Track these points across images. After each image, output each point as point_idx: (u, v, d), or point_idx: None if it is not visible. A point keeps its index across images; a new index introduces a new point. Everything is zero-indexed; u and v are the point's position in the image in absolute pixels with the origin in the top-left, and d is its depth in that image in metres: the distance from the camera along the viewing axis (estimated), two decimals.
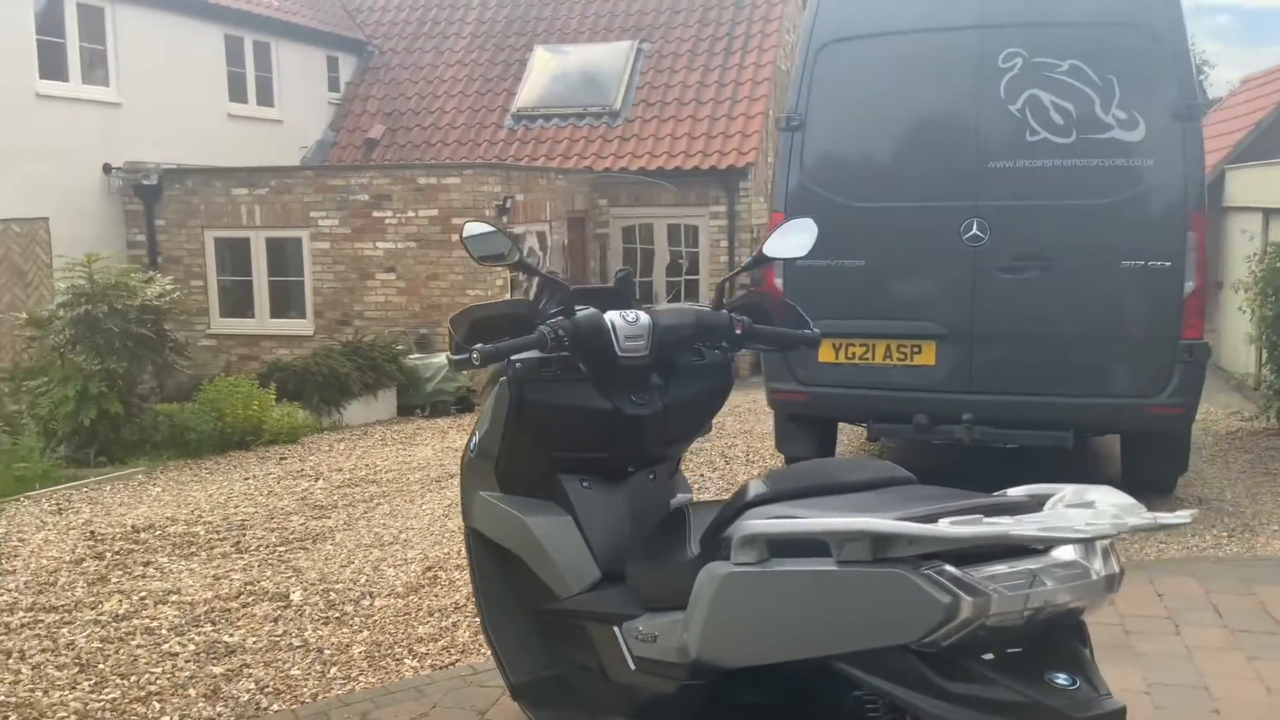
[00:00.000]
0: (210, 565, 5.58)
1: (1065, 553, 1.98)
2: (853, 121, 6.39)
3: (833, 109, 6.35)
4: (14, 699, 3.92)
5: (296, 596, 5.01)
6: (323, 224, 12.93)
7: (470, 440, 3.05)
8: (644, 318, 2.83)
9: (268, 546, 5.91)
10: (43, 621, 4.73)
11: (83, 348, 8.35)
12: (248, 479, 7.77)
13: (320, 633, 4.55)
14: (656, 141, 15.51)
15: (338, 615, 4.75)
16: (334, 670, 4.16)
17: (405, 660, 4.25)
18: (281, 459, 8.61)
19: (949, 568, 1.91)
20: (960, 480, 2.45)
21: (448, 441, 9.29)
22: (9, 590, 5.18)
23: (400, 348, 11.61)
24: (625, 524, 2.90)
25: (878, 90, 6.33)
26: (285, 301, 13.21)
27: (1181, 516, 1.87)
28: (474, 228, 2.80)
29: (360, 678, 4.08)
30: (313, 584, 5.19)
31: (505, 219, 12.78)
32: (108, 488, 7.51)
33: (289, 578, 5.30)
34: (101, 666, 4.23)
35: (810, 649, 2.06)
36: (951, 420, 6.01)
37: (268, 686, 3.99)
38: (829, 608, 2.02)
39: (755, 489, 2.28)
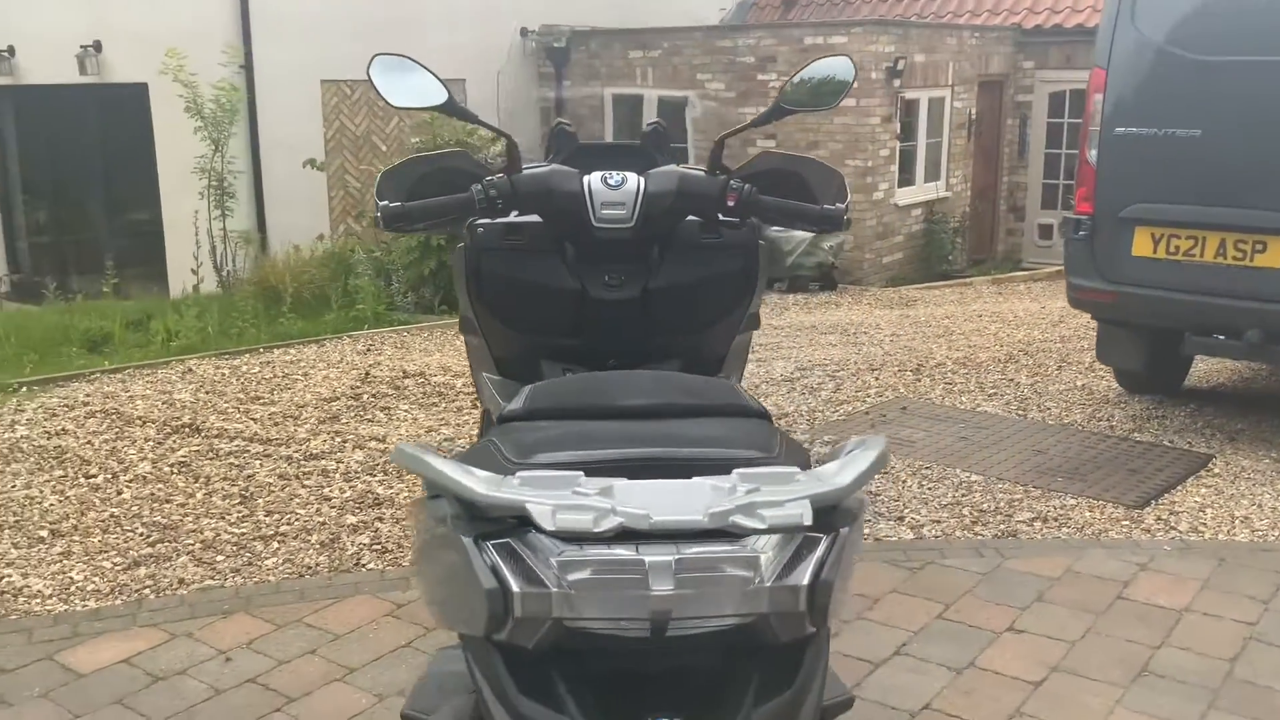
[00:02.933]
0: (434, 416, 5.66)
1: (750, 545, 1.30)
2: None
3: None
4: (165, 520, 4.18)
5: None
6: (709, 87, 12.68)
7: None
8: (632, 181, 2.24)
9: None
10: (248, 452, 5.03)
11: None
12: None
13: None
14: None
15: None
16: None
17: None
18: None
19: (509, 542, 1.32)
20: None
21: (803, 316, 8.84)
22: (254, 420, 5.58)
23: None
24: None
25: None
26: None
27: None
28: (384, 61, 2.28)
29: None
30: None
31: (897, 83, 11.78)
32: (423, 334, 7.94)
33: None
34: (259, 501, 4.40)
35: (450, 621, 1.53)
36: None
37: (377, 544, 3.95)
38: (443, 574, 1.47)
39: (513, 403, 1.69)
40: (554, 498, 1.26)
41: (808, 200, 2.37)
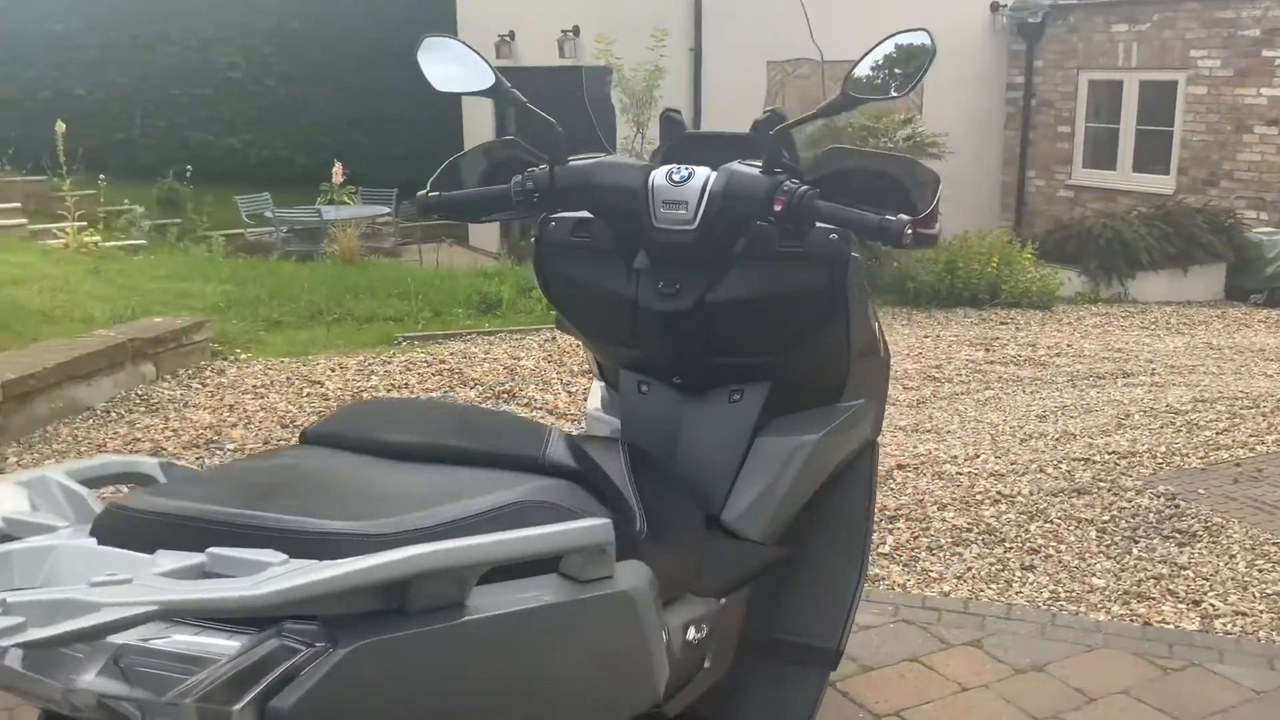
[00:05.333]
0: None
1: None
2: None
3: None
4: None
5: None
6: (1202, 65, 11.11)
7: None
8: (698, 177, 1.98)
9: None
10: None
11: None
12: (925, 336, 7.32)
13: None
14: None
15: None
16: None
17: None
18: (1003, 323, 7.92)
19: None
20: None
21: (1261, 336, 7.55)
22: (568, 394, 5.72)
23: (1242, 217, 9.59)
24: (668, 449, 2.17)
25: None
26: (1149, 154, 11.76)
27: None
28: (431, 44, 2.16)
29: None
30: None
31: None
32: None
33: None
34: None
35: None
36: None
37: None
38: None
39: (316, 426, 1.47)
40: None
41: (903, 207, 1.93)
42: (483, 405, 5.16)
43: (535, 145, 2.10)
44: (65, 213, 9.14)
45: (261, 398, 5.18)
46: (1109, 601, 3.21)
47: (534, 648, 1.08)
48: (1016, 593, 3.28)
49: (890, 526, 3.76)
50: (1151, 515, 3.81)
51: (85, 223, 9.76)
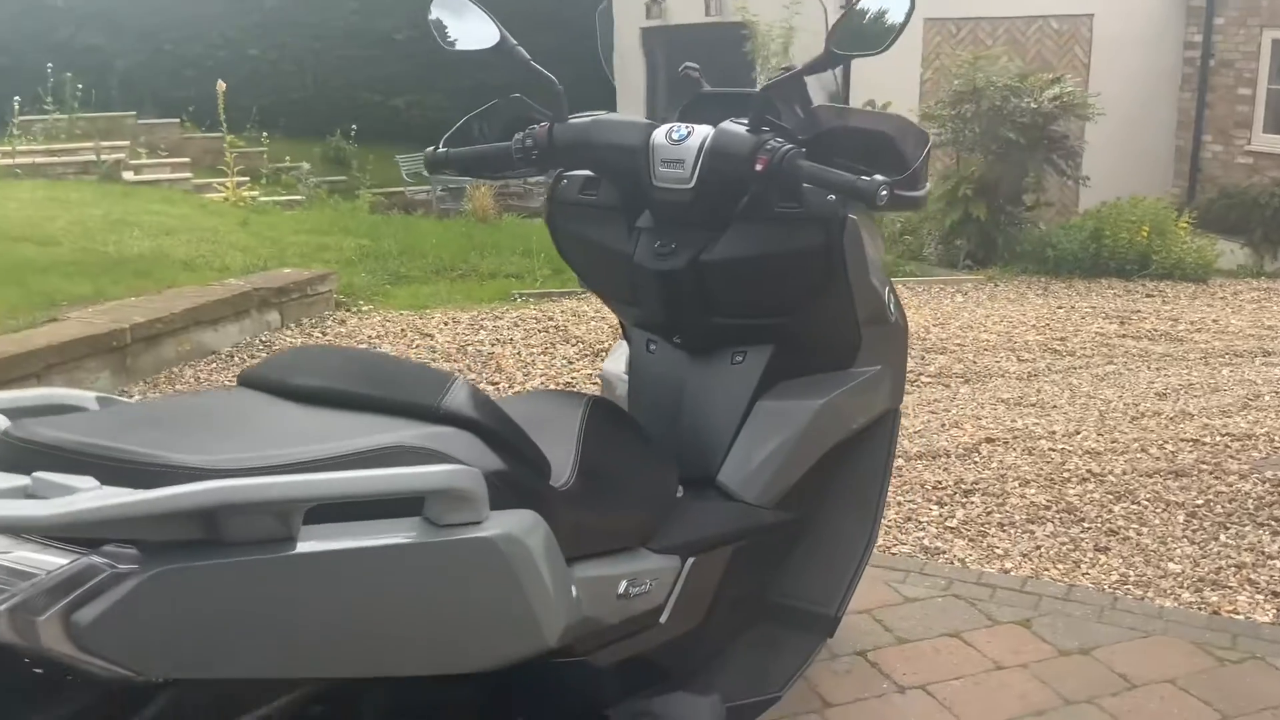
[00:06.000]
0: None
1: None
2: None
3: None
4: None
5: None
6: None
7: None
8: (696, 137, 1.99)
9: (998, 376, 5.41)
10: None
11: (954, 148, 8.25)
12: (1059, 307, 7.02)
13: None
14: None
15: None
16: None
17: None
18: (1148, 295, 7.52)
19: None
20: None
21: None
22: None
23: None
24: (671, 408, 2.19)
25: None
26: None
27: None
28: (440, 4, 2.17)
29: None
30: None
31: None
32: (933, 289, 7.52)
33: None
34: None
35: None
36: None
37: None
38: None
39: (250, 368, 1.51)
40: None
41: (897, 168, 1.87)
42: (577, 362, 5.24)
43: (542, 104, 2.12)
44: (225, 168, 9.64)
45: (374, 348, 5.38)
46: (1179, 588, 3.05)
47: (378, 587, 1.12)
48: (1083, 574, 3.15)
49: (963, 500, 3.65)
50: (1250, 502, 3.59)
51: (247, 178, 10.29)
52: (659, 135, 2.00)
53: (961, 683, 2.56)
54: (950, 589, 3.00)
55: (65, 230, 6.90)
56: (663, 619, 1.73)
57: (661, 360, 2.21)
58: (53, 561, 0.97)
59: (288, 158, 12.67)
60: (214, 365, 5.09)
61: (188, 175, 10.43)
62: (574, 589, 1.40)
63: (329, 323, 5.83)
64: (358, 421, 1.27)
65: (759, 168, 1.85)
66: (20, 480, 0.99)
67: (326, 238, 7.83)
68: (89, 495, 0.94)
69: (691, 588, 1.81)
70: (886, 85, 10.52)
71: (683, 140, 1.97)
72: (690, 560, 1.81)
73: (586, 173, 2.18)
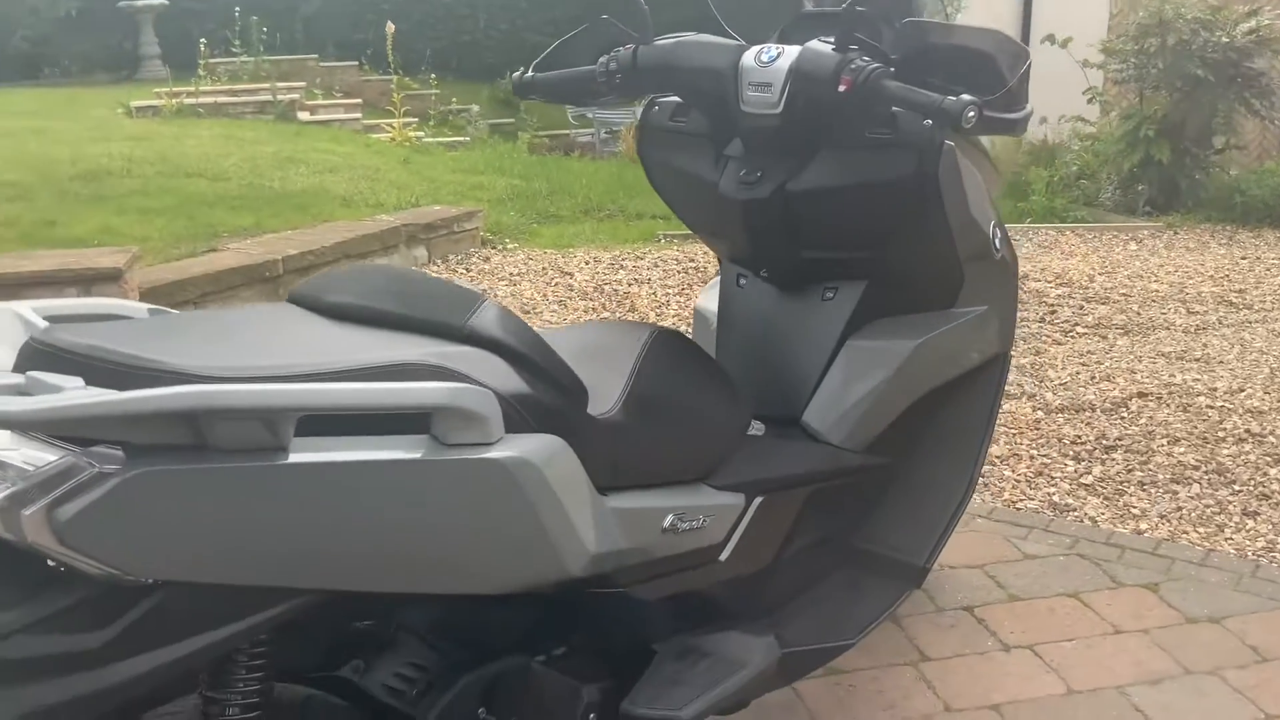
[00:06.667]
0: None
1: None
2: None
3: None
4: None
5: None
6: None
7: None
8: (785, 59, 1.90)
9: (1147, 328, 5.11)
10: None
11: (1137, 85, 7.69)
12: (1242, 258, 6.52)
13: None
14: None
15: None
16: None
17: None
18: None
19: None
20: None
21: None
22: None
23: None
24: (758, 345, 2.13)
25: None
26: None
27: None
28: None
29: None
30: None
31: None
32: (1105, 236, 7.09)
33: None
34: None
35: None
36: None
37: None
38: None
39: (298, 286, 1.50)
40: None
41: (994, 87, 1.74)
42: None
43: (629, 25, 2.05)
44: (392, 108, 9.89)
45: (514, 285, 5.45)
46: None
47: (376, 502, 1.10)
48: (1226, 539, 2.93)
49: (1102, 457, 3.44)
50: None
51: (415, 119, 10.53)
52: (749, 57, 1.91)
53: (1073, 645, 2.43)
54: (1075, 548, 2.84)
55: (236, 166, 7.22)
56: (722, 557, 1.68)
57: (751, 295, 2.13)
58: (45, 458, 0.99)
59: (455, 100, 12.90)
60: None
61: (358, 116, 10.74)
62: (607, 519, 1.37)
63: (473, 259, 5.93)
64: (380, 338, 1.25)
65: (843, 89, 1.74)
66: (13, 378, 1.02)
67: (481, 177, 7.95)
68: (67, 394, 0.95)
69: (758, 527, 1.75)
70: (1070, 20, 9.92)
71: (772, 62, 1.88)
72: (759, 499, 1.75)
73: (678, 98, 2.11)
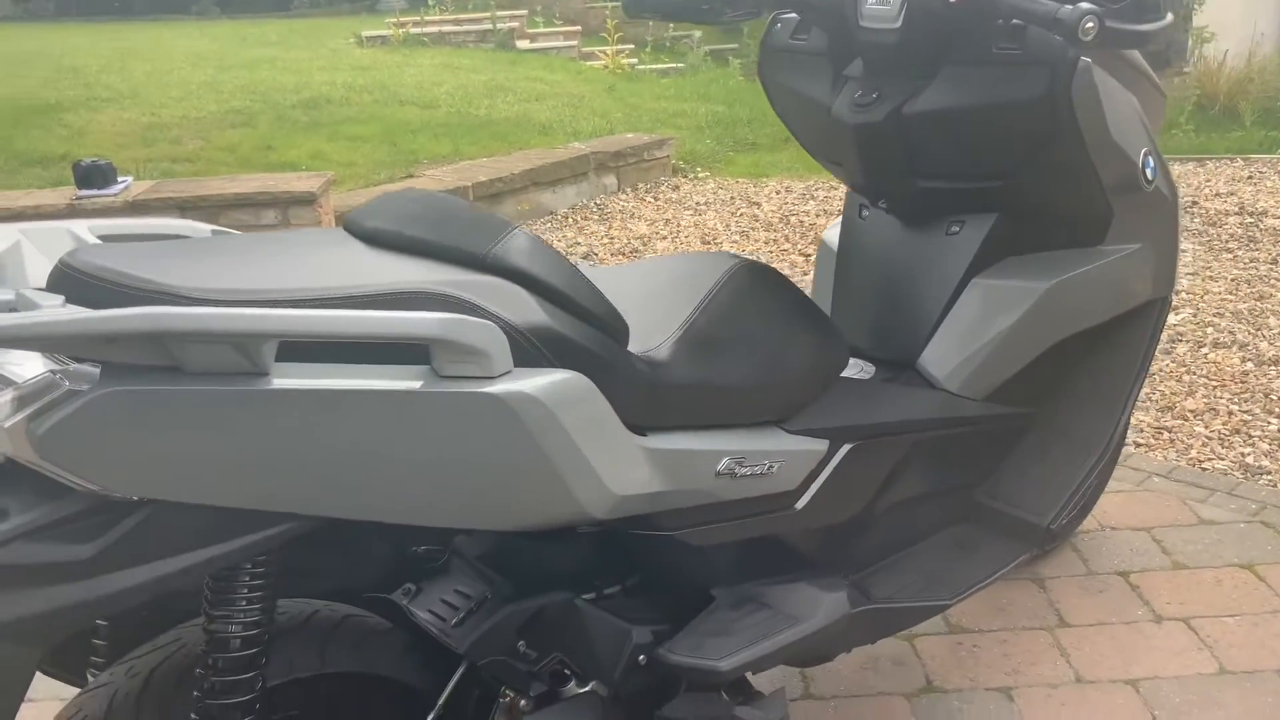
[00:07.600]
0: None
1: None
2: None
3: None
4: None
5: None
6: None
7: None
8: None
9: None
10: None
11: None
12: None
13: None
14: None
15: None
16: None
17: None
18: None
19: None
20: None
21: None
22: None
23: None
24: (877, 281, 2.02)
25: None
26: None
27: None
28: None
29: None
30: None
31: None
32: (1252, 169, 6.32)
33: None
34: None
35: None
36: None
37: None
38: None
39: (352, 212, 1.48)
40: None
41: None
42: None
43: None
44: (606, 35, 9.89)
45: (698, 214, 5.37)
46: None
47: (364, 431, 1.08)
48: None
49: None
50: None
51: (630, 45, 10.50)
52: None
53: (1236, 621, 2.20)
54: (1260, 514, 2.57)
55: (447, 94, 7.41)
56: (799, 505, 1.58)
57: (872, 228, 1.99)
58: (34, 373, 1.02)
59: (671, 26, 12.78)
60: (549, 224, 5.30)
61: (575, 43, 10.81)
62: (639, 460, 1.30)
63: (662, 188, 5.88)
64: (399, 263, 1.22)
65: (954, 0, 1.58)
66: (10, 296, 1.05)
67: (685, 104, 7.86)
68: (37, 313, 0.97)
69: (845, 476, 1.64)
70: None
71: None
72: (847, 446, 1.64)
73: (798, 17, 1.98)
